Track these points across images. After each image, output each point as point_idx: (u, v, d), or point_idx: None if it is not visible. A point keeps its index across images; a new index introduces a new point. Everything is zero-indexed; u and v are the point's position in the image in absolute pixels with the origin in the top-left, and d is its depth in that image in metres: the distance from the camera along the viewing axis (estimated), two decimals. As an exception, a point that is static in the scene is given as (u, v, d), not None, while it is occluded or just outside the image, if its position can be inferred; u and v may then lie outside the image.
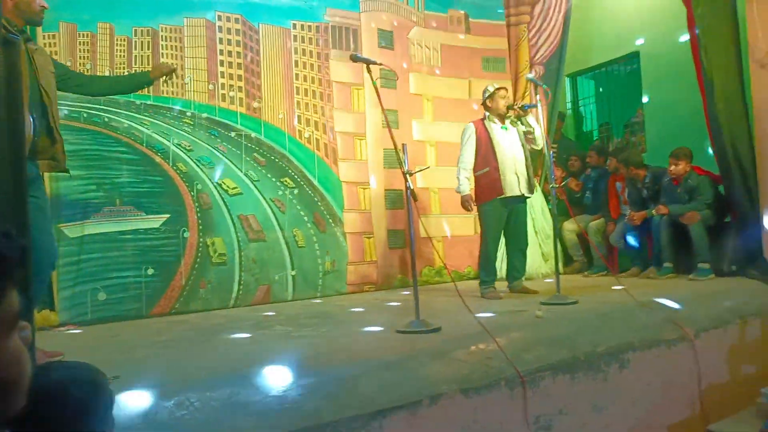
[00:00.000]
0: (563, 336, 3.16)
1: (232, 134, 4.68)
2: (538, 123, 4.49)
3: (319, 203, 4.98)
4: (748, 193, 4.74)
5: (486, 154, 4.40)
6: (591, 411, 3.01)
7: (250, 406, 2.09)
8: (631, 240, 5.37)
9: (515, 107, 4.50)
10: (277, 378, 2.31)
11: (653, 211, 5.10)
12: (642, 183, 5.44)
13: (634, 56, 6.66)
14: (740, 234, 4.83)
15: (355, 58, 3.34)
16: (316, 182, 5.00)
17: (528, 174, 4.47)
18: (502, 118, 4.47)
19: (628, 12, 6.62)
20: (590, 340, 3.19)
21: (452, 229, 5.78)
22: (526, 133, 4.52)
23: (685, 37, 5.12)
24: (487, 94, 4.52)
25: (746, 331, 3.93)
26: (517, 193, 4.41)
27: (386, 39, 5.59)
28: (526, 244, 4.59)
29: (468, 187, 4.45)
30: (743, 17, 4.75)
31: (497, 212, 4.42)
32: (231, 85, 4.73)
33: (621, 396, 3.17)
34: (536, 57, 6.35)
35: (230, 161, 4.63)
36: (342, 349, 2.84)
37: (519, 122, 4.52)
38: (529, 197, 4.57)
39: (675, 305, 3.79)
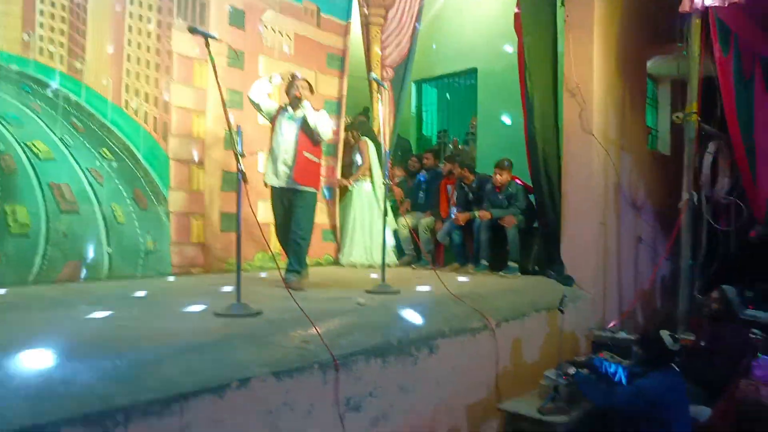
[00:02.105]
0: (381, 323, 3.32)
1: (49, 93, 4.16)
2: (328, 115, 4.37)
3: (142, 179, 4.62)
4: (552, 203, 5.39)
5: (270, 140, 4.35)
6: (398, 392, 3.21)
7: (22, 390, 1.89)
8: (455, 238, 5.82)
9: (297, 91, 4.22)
10: (67, 360, 2.12)
11: (476, 214, 5.58)
12: (469, 187, 5.93)
13: (473, 71, 7.21)
14: (544, 238, 5.49)
15: (192, 30, 3.18)
16: (140, 156, 4.63)
17: (291, 166, 4.22)
18: (293, 106, 4.27)
19: (471, 30, 7.15)
20: (404, 326, 3.40)
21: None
22: (304, 124, 4.23)
23: (514, 61, 5.66)
24: (286, 81, 4.45)
25: (537, 322, 4.47)
26: (276, 183, 4.29)
27: (238, 18, 5.38)
28: (300, 237, 4.23)
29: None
30: (562, 51, 5.39)
31: (275, 200, 4.37)
32: (51, 39, 4.20)
33: (427, 379, 3.42)
34: (387, 60, 6.59)
35: (43, 122, 4.11)
36: (150, 331, 2.69)
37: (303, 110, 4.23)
38: (301, 190, 4.25)
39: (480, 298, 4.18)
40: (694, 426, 3.44)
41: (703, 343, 3.84)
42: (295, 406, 2.64)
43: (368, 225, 5.99)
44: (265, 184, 4.37)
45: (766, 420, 3.82)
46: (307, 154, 4.24)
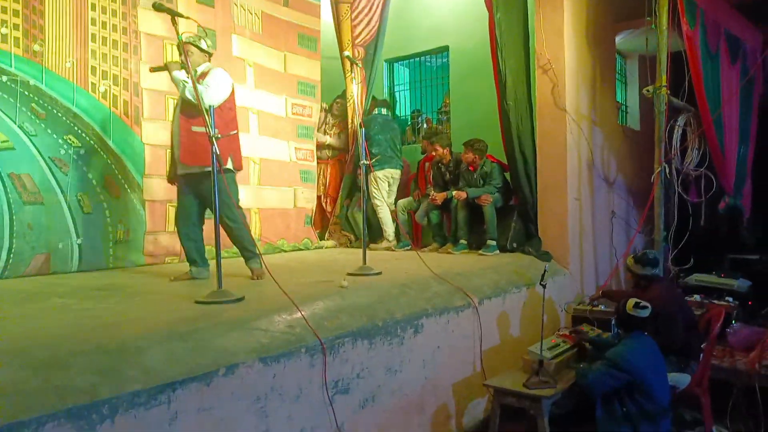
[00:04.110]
0: (365, 304, 3.29)
1: (4, 78, 3.94)
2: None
3: (114, 166, 4.44)
4: (528, 180, 5.42)
5: None
6: (386, 373, 3.20)
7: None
8: (433, 218, 5.81)
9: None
10: (44, 354, 2.03)
11: (453, 194, 5.57)
12: (446, 167, 5.91)
13: (444, 50, 7.15)
14: (521, 216, 5.52)
15: (158, 7, 3.04)
16: (110, 143, 4.44)
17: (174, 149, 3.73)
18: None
19: (442, 7, 7.07)
20: (389, 307, 3.37)
21: (271, 201, 5.66)
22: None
23: (486, 38, 5.62)
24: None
25: (518, 299, 4.51)
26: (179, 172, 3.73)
27: (207, -6, 5.20)
28: (230, 220, 3.67)
29: None
30: (534, 27, 5.37)
31: (178, 190, 3.86)
32: (4, 21, 3.98)
33: (414, 359, 3.42)
34: (358, 39, 6.48)
35: (0, 110, 3.91)
36: (129, 321, 2.60)
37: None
38: (197, 172, 3.58)
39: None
40: (673, 393, 3.52)
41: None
42: (284, 391, 2.60)
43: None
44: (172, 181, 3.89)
45: (740, 385, 3.95)
46: (196, 129, 3.50)
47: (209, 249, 4.83)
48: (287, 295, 2.92)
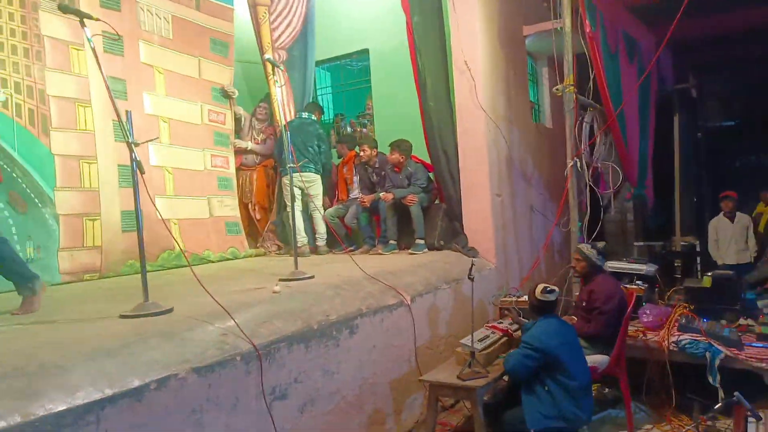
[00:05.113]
0: (299, 308, 3.28)
1: None
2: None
3: (20, 180, 4.14)
4: (452, 179, 5.59)
5: None
6: (323, 376, 3.20)
7: None
8: (363, 220, 5.86)
9: None
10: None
11: (380, 196, 5.64)
12: (372, 168, 5.97)
13: (365, 53, 7.23)
14: (447, 214, 5.68)
15: (64, 9, 2.89)
16: (15, 155, 4.14)
17: None
18: None
19: (360, 11, 7.15)
20: (323, 310, 3.38)
21: (187, 211, 5.46)
22: None
23: (405, 41, 5.74)
24: None
25: (448, 294, 4.64)
26: None
27: (111, -2, 4.97)
28: None
29: None
30: (450, 30, 5.56)
31: None
32: None
33: (350, 359, 3.44)
34: (278, 41, 6.41)
35: None
36: (50, 340, 2.45)
37: None
38: None
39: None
40: (596, 374, 3.75)
41: (583, 303, 4.17)
42: (220, 400, 2.55)
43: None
44: None
45: (653, 361, 4.27)
46: None
47: (133, 262, 4.66)
48: (218, 303, 2.85)
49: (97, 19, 2.93)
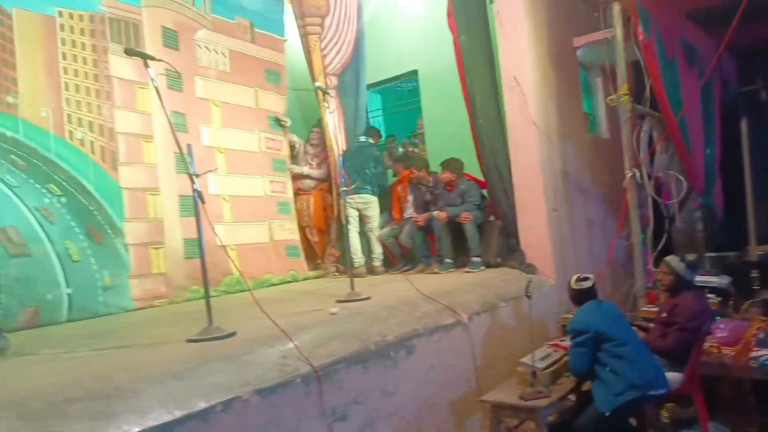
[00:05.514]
0: (356, 329, 3.32)
1: (-19, 133, 3.95)
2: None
3: (95, 212, 4.43)
4: (506, 195, 5.53)
5: None
6: (382, 397, 3.21)
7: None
8: (417, 239, 5.88)
9: None
10: (38, 404, 2.02)
11: (433, 215, 5.65)
12: (426, 187, 6.00)
13: (414, 74, 7.33)
14: (502, 230, 5.61)
15: (129, 52, 3.11)
16: (91, 189, 4.45)
17: None
18: None
19: (408, 33, 7.26)
20: (380, 330, 3.40)
21: (246, 237, 5.65)
22: None
23: (453, 60, 5.78)
24: None
25: (507, 312, 4.56)
26: None
27: (171, 38, 5.28)
28: None
29: None
30: (497, 46, 5.55)
31: None
32: (-24, 76, 4.00)
33: (408, 380, 3.43)
34: (329, 68, 6.60)
35: (-22, 164, 3.90)
36: (122, 365, 2.59)
37: None
38: None
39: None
40: (669, 392, 3.58)
41: (664, 315, 3.97)
42: (282, 422, 2.61)
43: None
44: None
45: (728, 379, 4.02)
46: None
47: (197, 288, 4.87)
48: (278, 326, 2.94)
49: (159, 60, 3.13)
